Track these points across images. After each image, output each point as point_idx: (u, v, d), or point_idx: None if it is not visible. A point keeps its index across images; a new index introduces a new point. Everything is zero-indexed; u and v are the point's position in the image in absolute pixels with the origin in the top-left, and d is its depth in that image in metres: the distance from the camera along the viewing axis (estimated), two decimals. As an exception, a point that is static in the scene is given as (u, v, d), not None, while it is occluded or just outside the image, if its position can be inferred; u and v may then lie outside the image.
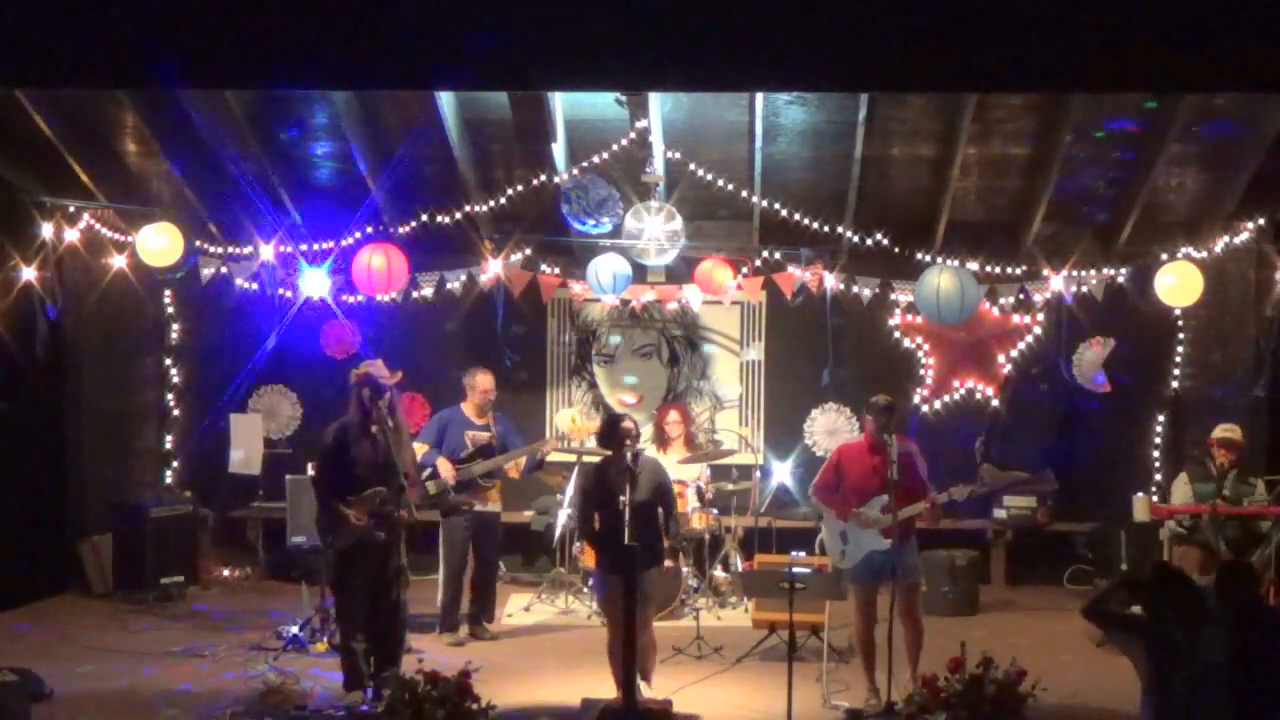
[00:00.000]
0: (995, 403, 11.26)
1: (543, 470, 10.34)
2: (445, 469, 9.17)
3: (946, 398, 11.28)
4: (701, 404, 11.45)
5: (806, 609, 8.04)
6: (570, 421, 10.83)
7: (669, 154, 10.13)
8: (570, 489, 9.90)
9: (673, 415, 10.52)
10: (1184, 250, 10.47)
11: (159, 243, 10.00)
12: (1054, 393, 11.19)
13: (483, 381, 9.47)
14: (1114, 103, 9.78)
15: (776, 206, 10.42)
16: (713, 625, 9.41)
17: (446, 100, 9.62)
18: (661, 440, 10.42)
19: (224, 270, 10.86)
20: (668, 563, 8.47)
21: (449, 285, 10.85)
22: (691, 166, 10.21)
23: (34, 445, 10.64)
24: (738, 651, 8.82)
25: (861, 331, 11.21)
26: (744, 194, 10.34)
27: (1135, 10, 5.32)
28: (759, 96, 9.34)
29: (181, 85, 8.43)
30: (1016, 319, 11.14)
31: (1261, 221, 10.56)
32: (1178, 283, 10.06)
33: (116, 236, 10.79)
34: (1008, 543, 11.12)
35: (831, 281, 10.68)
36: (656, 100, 9.59)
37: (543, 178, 10.21)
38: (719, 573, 10.24)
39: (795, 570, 7.21)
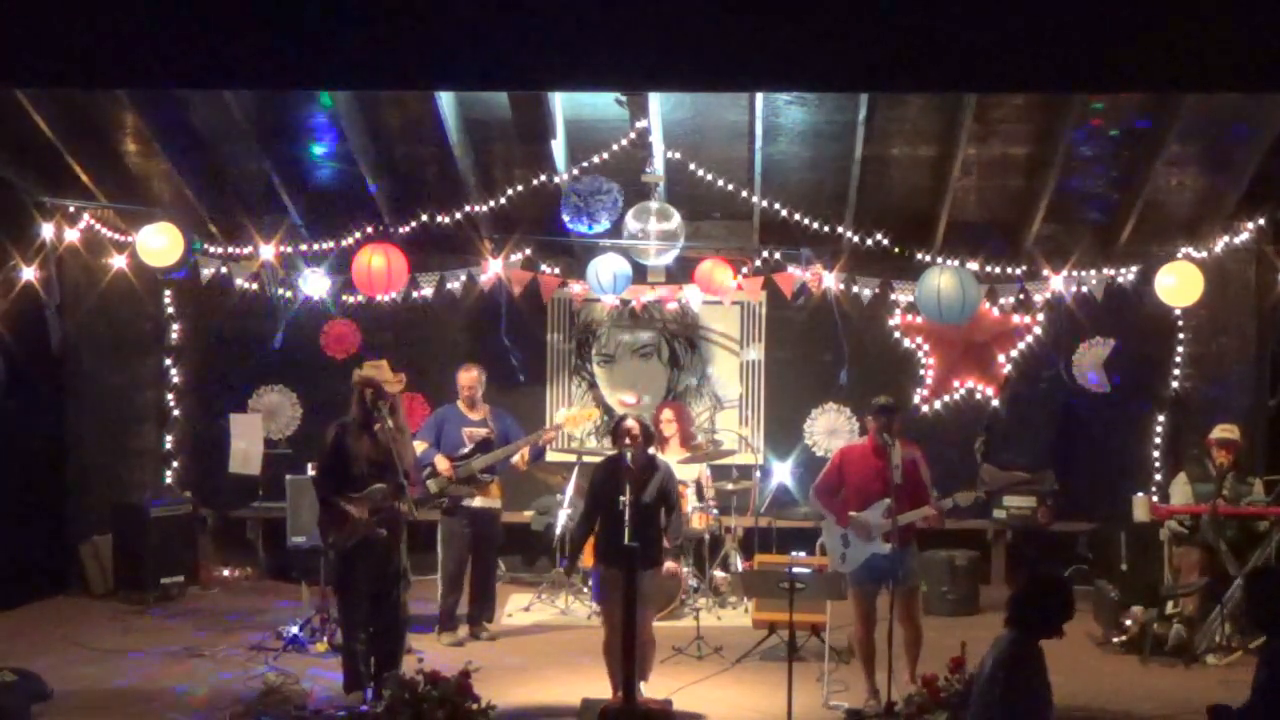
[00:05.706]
0: (995, 403, 11.25)
1: (544, 469, 10.32)
2: (442, 465, 9.18)
3: (946, 398, 11.28)
4: (701, 404, 11.45)
5: (806, 609, 8.04)
6: (568, 411, 10.80)
7: (669, 154, 10.13)
8: (570, 489, 9.91)
9: (666, 414, 10.43)
10: (1184, 250, 10.48)
11: (159, 243, 9.99)
12: (1054, 393, 11.19)
13: (462, 378, 9.50)
14: (1116, 102, 9.79)
15: (776, 206, 10.42)
16: (713, 625, 9.40)
17: (446, 100, 9.62)
18: (658, 440, 10.39)
19: (224, 270, 10.87)
20: (669, 564, 8.47)
21: (449, 285, 10.87)
22: (691, 166, 10.21)
23: (34, 445, 10.65)
24: (738, 651, 8.82)
25: (861, 331, 11.21)
26: (744, 194, 10.34)
27: (1135, 10, 5.32)
28: (759, 96, 9.34)
29: (182, 85, 8.43)
30: (1016, 319, 11.14)
31: (1261, 221, 10.56)
32: (1178, 283, 10.06)
33: (116, 236, 10.80)
34: (1008, 543, 11.12)
35: (831, 281, 10.69)
36: (656, 100, 9.59)
37: (543, 178, 10.21)
38: (719, 573, 10.24)
39: (795, 570, 7.20)
